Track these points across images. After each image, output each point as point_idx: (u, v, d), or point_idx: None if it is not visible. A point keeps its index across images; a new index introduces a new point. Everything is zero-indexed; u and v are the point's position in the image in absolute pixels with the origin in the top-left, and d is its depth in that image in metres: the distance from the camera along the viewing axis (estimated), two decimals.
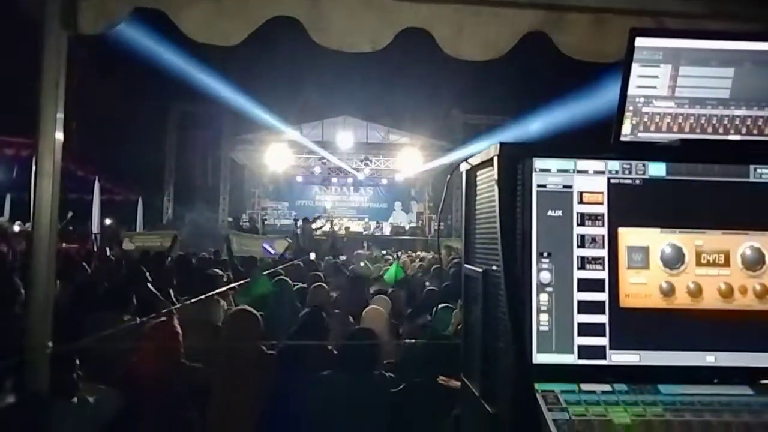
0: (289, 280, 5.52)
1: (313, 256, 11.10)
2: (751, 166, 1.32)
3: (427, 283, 6.07)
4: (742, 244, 1.30)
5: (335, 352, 3.41)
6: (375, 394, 3.00)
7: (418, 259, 9.89)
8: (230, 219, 16.40)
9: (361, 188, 20.88)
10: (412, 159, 17.02)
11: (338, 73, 13.20)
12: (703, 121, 1.51)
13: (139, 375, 3.00)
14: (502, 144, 1.27)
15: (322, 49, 2.40)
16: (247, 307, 3.70)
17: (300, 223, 14.94)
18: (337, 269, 8.02)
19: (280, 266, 7.40)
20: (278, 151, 16.69)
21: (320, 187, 20.65)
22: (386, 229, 19.14)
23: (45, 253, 2.29)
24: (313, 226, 14.84)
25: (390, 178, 19.86)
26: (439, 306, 4.39)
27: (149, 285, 4.87)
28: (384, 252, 12.83)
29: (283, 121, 15.57)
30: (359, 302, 4.99)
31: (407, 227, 19.40)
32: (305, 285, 5.64)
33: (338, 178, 20.25)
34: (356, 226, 19.04)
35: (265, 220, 17.83)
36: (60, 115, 2.22)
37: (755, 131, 1.45)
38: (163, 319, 3.32)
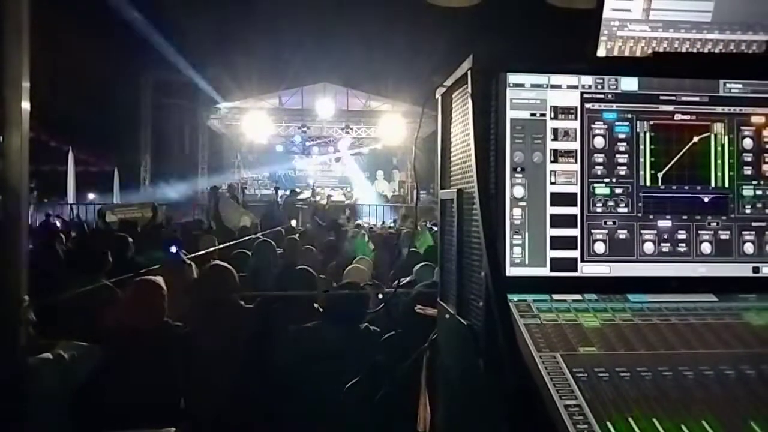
0: (272, 242, 5.67)
1: (294, 223, 11.22)
2: (721, 81, 1.34)
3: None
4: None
5: (320, 309, 3.44)
6: (361, 344, 3.04)
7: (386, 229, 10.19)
8: (209, 189, 16.17)
9: (343, 157, 20.69)
10: (394, 126, 16.87)
11: (318, 38, 12.92)
12: (676, 45, 1.52)
13: (120, 332, 2.99)
14: (475, 56, 1.26)
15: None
16: (222, 262, 3.70)
17: (281, 192, 15.05)
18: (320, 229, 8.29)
19: (260, 233, 7.61)
20: (257, 119, 16.41)
21: (301, 156, 20.42)
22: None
23: (16, 204, 2.26)
24: (298, 197, 15.00)
25: (372, 147, 19.70)
26: (420, 264, 4.44)
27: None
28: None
29: (262, 88, 15.27)
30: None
31: (389, 196, 19.39)
32: (282, 249, 5.89)
33: (319, 147, 20.03)
34: (338, 195, 18.98)
35: (245, 189, 17.63)
36: (26, 84, 2.14)
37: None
38: (147, 278, 3.29)
